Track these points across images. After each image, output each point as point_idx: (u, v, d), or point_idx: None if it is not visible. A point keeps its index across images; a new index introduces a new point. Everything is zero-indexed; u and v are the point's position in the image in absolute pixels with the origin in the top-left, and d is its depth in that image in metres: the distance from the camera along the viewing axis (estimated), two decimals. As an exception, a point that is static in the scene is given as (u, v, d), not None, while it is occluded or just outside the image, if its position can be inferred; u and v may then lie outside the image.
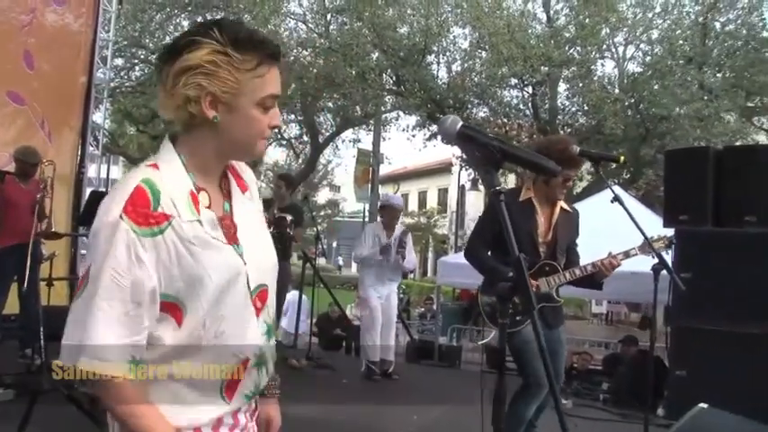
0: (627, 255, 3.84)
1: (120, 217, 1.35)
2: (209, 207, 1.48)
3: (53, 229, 5.86)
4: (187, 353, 1.45)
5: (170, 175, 1.44)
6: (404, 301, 18.19)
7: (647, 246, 3.67)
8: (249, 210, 1.60)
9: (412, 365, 9.01)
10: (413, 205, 38.44)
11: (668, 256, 5.51)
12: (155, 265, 1.38)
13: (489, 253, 3.97)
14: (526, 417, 3.95)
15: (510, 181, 17.68)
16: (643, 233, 3.57)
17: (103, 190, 9.11)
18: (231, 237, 1.50)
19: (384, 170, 26.29)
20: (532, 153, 1.73)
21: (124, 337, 1.35)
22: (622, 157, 3.64)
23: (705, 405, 4.51)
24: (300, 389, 6.07)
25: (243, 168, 1.65)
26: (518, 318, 3.84)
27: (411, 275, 26.41)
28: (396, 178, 38.52)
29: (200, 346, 1.45)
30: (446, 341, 12.50)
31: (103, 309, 1.34)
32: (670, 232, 4.96)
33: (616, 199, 3.59)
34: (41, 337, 4.55)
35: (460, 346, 12.29)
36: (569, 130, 15.48)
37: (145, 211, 1.37)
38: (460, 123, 1.63)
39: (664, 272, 3.96)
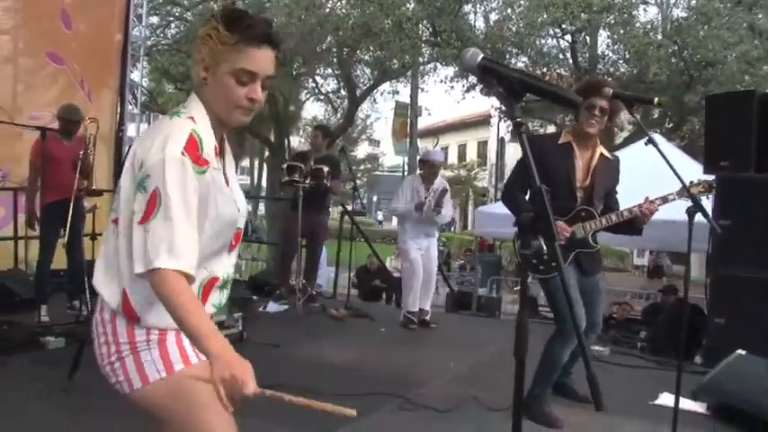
0: (665, 200, 3.79)
1: (183, 154, 1.67)
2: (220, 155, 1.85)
3: (94, 186, 5.98)
4: None
5: (204, 128, 1.77)
6: (444, 254, 18.26)
7: (686, 190, 3.61)
8: (232, 165, 1.96)
9: (451, 315, 9.09)
10: (452, 158, 38.22)
11: (708, 204, 5.49)
12: (199, 195, 1.71)
13: (527, 197, 3.94)
14: (561, 360, 3.99)
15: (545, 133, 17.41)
16: (679, 177, 3.50)
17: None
18: (230, 184, 1.87)
19: (423, 123, 26.14)
20: (553, 84, 1.72)
21: (191, 247, 1.67)
22: (657, 99, 3.54)
23: (743, 352, 4.51)
24: (339, 337, 6.20)
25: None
26: (552, 264, 3.86)
27: (451, 228, 26.45)
28: (435, 131, 38.26)
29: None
30: (485, 292, 12.58)
31: (181, 225, 1.64)
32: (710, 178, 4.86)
33: (650, 141, 3.51)
34: (86, 288, 4.68)
35: (500, 297, 12.38)
36: (610, 78, 15.14)
37: (197, 154, 1.70)
38: (481, 56, 1.63)
39: (704, 220, 3.89)
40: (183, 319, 1.61)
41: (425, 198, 6.74)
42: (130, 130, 10.19)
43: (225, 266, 1.91)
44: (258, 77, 1.76)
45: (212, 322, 1.67)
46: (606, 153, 4.02)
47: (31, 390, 4.24)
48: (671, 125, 15.49)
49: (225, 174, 1.86)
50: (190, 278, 1.66)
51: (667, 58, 13.28)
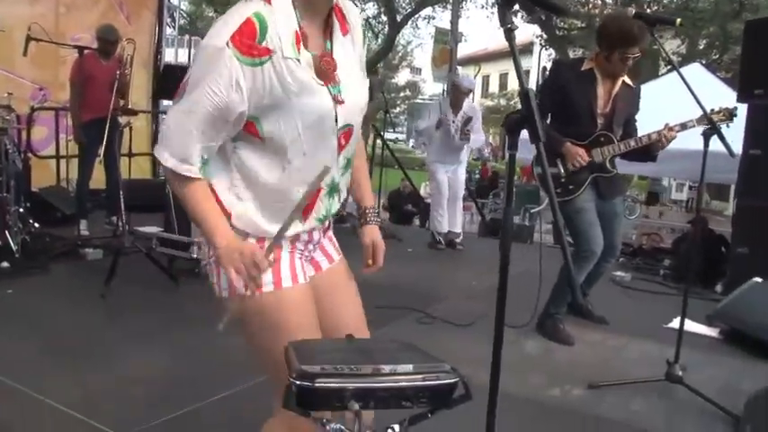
0: (684, 126, 3.73)
1: (227, 44, 1.48)
2: (310, 41, 1.61)
3: (129, 106, 6.14)
4: (275, 181, 1.65)
5: (280, 10, 1.55)
6: (475, 182, 18.24)
7: (706, 117, 3.56)
8: (348, 51, 1.71)
9: (481, 240, 9.18)
10: (494, 87, 37.72)
11: (740, 132, 5.40)
12: (249, 91, 1.52)
13: (548, 122, 4.01)
14: (577, 283, 4.02)
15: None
16: (700, 104, 3.44)
17: (179, 64, 9.34)
18: (329, 75, 1.64)
19: (464, 51, 25.70)
20: None
21: (202, 142, 1.57)
22: (679, 20, 3.47)
23: (759, 279, 4.54)
24: (365, 256, 6.36)
25: (348, 8, 1.74)
26: (570, 187, 3.95)
27: (489, 157, 26.25)
28: (477, 59, 37.63)
29: (284, 176, 1.64)
30: (518, 220, 12.60)
31: (195, 120, 1.53)
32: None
33: (670, 62, 3.49)
34: (122, 203, 4.88)
35: (533, 225, 12.38)
36: (656, 7, 14.68)
37: (250, 43, 1.49)
38: None
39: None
40: (194, 214, 1.61)
41: (452, 121, 6.76)
42: (169, 53, 10.27)
43: (330, 173, 1.71)
44: None
45: (219, 214, 1.61)
46: (628, 81, 4.01)
47: (72, 295, 4.53)
48: (716, 55, 15.02)
49: (322, 56, 1.64)
50: (187, 169, 1.57)
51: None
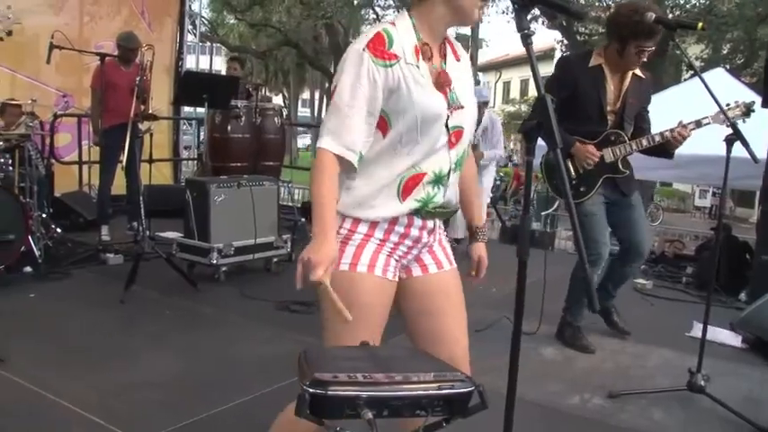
0: (698, 124, 3.66)
1: (364, 50, 1.81)
2: (431, 59, 1.92)
3: (150, 111, 6.19)
4: (383, 158, 1.88)
5: (403, 30, 1.88)
6: (500, 189, 18.14)
7: (722, 114, 3.46)
8: (460, 73, 2.00)
9: (502, 246, 9.12)
10: (514, 93, 37.55)
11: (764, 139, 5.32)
12: (383, 87, 1.82)
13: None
14: (593, 291, 3.98)
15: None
16: (717, 102, 3.36)
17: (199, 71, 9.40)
18: (444, 85, 1.92)
19: (485, 57, 25.63)
20: None
21: (364, 136, 1.83)
22: (700, 24, 3.38)
23: (785, 287, 4.47)
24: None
25: (458, 45, 2.05)
26: (581, 189, 3.87)
27: (509, 164, 26.12)
28: (498, 65, 37.53)
29: (393, 156, 1.88)
30: (540, 227, 12.52)
31: (350, 113, 1.81)
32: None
33: (690, 66, 3.45)
34: (142, 208, 4.92)
35: (554, 232, 12.30)
36: (678, 12, 14.54)
37: (381, 49, 1.82)
38: None
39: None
40: (312, 194, 1.81)
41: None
42: (190, 60, 10.35)
43: (438, 162, 1.92)
44: None
45: (331, 208, 1.80)
46: (639, 72, 3.89)
47: (92, 299, 4.55)
48: (741, 61, 14.85)
49: (437, 72, 1.91)
50: (341, 160, 1.80)
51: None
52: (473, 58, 18.26)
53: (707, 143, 3.88)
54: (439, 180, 1.93)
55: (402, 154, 1.88)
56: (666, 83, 12.35)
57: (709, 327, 3.38)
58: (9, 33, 5.11)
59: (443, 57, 1.98)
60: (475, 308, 4.82)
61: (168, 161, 8.77)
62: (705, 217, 22.17)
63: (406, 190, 1.89)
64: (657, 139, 3.72)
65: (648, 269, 6.54)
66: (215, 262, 4.96)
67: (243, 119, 6.54)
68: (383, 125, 1.87)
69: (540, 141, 1.57)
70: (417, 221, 1.93)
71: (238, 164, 6.43)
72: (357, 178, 1.88)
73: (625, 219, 3.95)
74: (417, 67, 1.87)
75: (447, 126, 1.91)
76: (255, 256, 5.31)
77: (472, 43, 18.13)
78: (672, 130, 3.67)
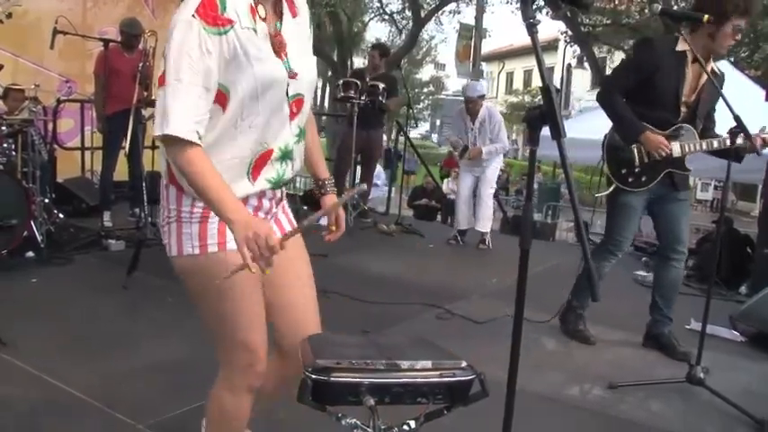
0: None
1: (193, 16, 1.61)
2: (264, 20, 1.75)
3: (153, 97, 6.18)
4: (226, 136, 1.74)
5: None
6: (502, 179, 18.14)
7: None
8: (298, 31, 1.86)
9: (504, 237, 9.13)
10: (518, 83, 37.46)
11: None
12: (217, 57, 1.65)
13: (624, 101, 3.70)
14: (600, 275, 3.88)
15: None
16: (727, 103, 3.33)
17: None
18: (279, 50, 1.78)
19: (489, 47, 25.54)
20: None
21: (197, 115, 1.63)
22: (706, 16, 3.37)
23: (786, 281, 4.47)
24: (387, 251, 6.38)
25: (298, 1, 1.89)
26: (643, 179, 3.72)
27: (512, 156, 26.14)
28: (501, 56, 37.43)
29: (236, 132, 1.74)
30: (541, 218, 12.55)
31: (183, 92, 1.61)
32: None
33: (696, 60, 3.43)
34: (144, 194, 4.93)
35: (555, 223, 12.34)
36: (683, 3, 14.47)
37: (213, 14, 1.63)
38: None
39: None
40: (201, 189, 1.63)
41: (470, 129, 6.76)
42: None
43: (283, 137, 1.83)
44: None
45: (225, 186, 1.63)
46: (716, 68, 3.69)
47: (94, 285, 4.57)
48: (746, 53, 14.78)
49: (274, 34, 1.77)
50: (188, 143, 1.62)
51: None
52: (476, 49, 18.23)
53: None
54: (286, 155, 1.85)
55: (244, 129, 1.74)
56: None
57: (709, 320, 3.39)
58: (9, 16, 5.11)
59: (279, 15, 1.82)
60: (474, 298, 4.91)
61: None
62: (707, 210, 22.18)
63: (255, 169, 1.80)
64: (727, 143, 3.40)
65: (649, 261, 6.54)
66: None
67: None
68: (221, 98, 1.71)
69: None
70: (268, 193, 1.88)
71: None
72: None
73: (670, 212, 3.81)
74: (254, 30, 1.71)
75: (287, 95, 1.80)
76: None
77: (476, 33, 18.07)
78: (754, 136, 3.36)
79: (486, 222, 6.89)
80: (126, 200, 6.83)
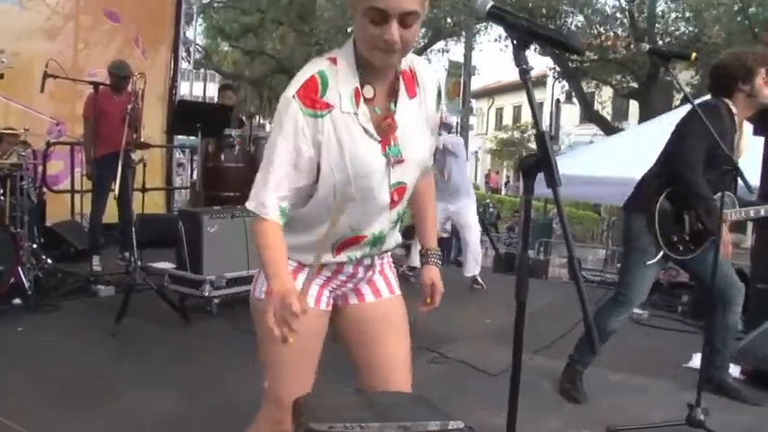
0: None
1: (293, 97, 1.67)
2: (372, 99, 1.74)
3: (143, 140, 6.16)
4: (317, 216, 1.78)
5: (343, 70, 1.71)
6: (493, 216, 18.17)
7: None
8: (412, 114, 1.81)
9: (496, 276, 9.09)
10: (507, 119, 37.76)
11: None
12: (311, 138, 1.68)
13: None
14: (607, 330, 3.69)
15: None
16: (718, 140, 3.32)
17: (192, 100, 9.38)
18: (389, 133, 1.76)
19: (478, 84, 25.74)
20: (558, 31, 1.72)
21: (282, 192, 1.70)
22: (694, 54, 3.39)
23: (782, 316, 4.43)
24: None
25: (422, 70, 1.86)
26: (692, 247, 3.60)
27: (504, 192, 26.25)
28: (490, 92, 37.77)
29: (328, 214, 1.72)
30: (533, 254, 12.51)
31: (272, 168, 1.69)
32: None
33: (686, 99, 3.44)
34: (134, 239, 4.88)
35: (548, 260, 12.30)
36: (668, 39, 14.69)
37: (312, 97, 1.67)
38: (490, 4, 1.63)
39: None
40: (260, 258, 1.70)
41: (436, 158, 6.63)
42: (184, 87, 10.36)
43: (379, 225, 1.85)
44: (391, 16, 1.60)
45: (280, 251, 1.69)
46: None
47: (82, 333, 4.50)
48: (732, 87, 14.98)
49: (384, 117, 1.75)
50: (270, 221, 1.69)
51: (728, 16, 12.78)
52: (465, 86, 18.37)
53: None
54: (378, 240, 1.88)
55: (337, 213, 1.70)
56: (657, 109, 12.46)
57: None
58: (1, 77, 5.14)
59: (393, 96, 1.78)
60: (468, 341, 4.84)
61: (161, 190, 8.73)
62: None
63: (340, 248, 1.84)
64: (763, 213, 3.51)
65: (646, 299, 6.50)
66: (207, 294, 4.91)
67: (236, 148, 6.52)
68: (315, 178, 1.75)
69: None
70: (351, 263, 1.89)
71: (232, 193, 6.38)
72: (291, 227, 1.78)
73: (706, 262, 3.54)
74: (356, 114, 1.71)
75: (389, 183, 1.78)
76: (248, 288, 5.24)
77: (465, 71, 18.23)
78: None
79: (474, 267, 6.75)
80: (116, 244, 6.76)
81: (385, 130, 1.74)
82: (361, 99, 1.71)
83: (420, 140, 1.84)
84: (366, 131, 1.71)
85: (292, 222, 1.77)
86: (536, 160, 1.46)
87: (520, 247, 1.53)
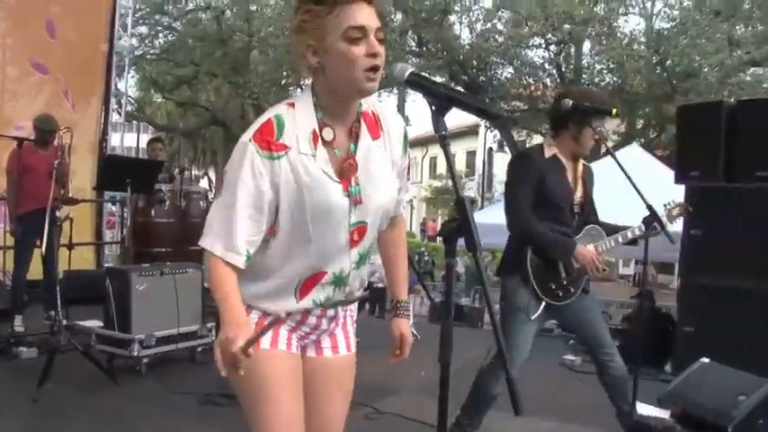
0: (670, 218, 3.60)
1: (249, 140, 1.70)
2: (332, 141, 1.76)
3: (70, 195, 6.02)
4: (277, 258, 1.79)
5: (301, 113, 1.74)
6: (428, 264, 18.28)
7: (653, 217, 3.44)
8: (375, 155, 1.83)
9: (432, 326, 9.10)
10: (441, 168, 38.27)
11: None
12: (269, 181, 1.70)
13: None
14: (494, 394, 3.55)
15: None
16: (640, 194, 3.41)
17: (122, 155, 9.25)
18: (349, 174, 1.78)
19: (411, 134, 25.93)
20: (477, 99, 1.77)
21: (247, 236, 1.72)
22: (615, 110, 3.49)
23: (706, 360, 4.56)
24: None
25: (386, 116, 1.89)
26: (571, 290, 3.52)
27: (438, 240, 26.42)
28: (424, 142, 38.27)
29: (288, 255, 1.78)
30: (469, 302, 12.59)
31: (234, 211, 1.70)
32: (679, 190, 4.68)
33: (608, 153, 3.55)
34: (59, 298, 4.73)
35: (482, 308, 12.36)
36: (594, 88, 15.26)
37: (268, 139, 1.70)
38: (409, 71, 1.67)
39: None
40: (214, 293, 1.71)
41: None
42: (115, 139, 10.20)
43: (340, 263, 1.83)
44: (369, 31, 1.68)
45: (236, 297, 1.70)
46: (583, 162, 3.69)
47: (1, 400, 4.26)
48: (654, 135, 15.62)
49: (341, 159, 1.77)
50: (224, 261, 1.71)
51: (648, 68, 13.38)
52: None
53: (624, 219, 3.94)
54: (340, 280, 1.86)
55: (297, 253, 1.78)
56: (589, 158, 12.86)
57: (639, 403, 3.40)
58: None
59: (354, 137, 1.81)
60: (404, 394, 4.80)
61: (90, 245, 8.50)
62: (629, 285, 22.71)
63: (304, 290, 1.83)
64: (629, 235, 3.54)
65: (576, 345, 6.59)
66: (136, 354, 4.76)
67: (167, 203, 6.43)
68: (273, 224, 1.77)
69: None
70: (316, 311, 1.88)
71: (162, 249, 6.28)
72: (252, 274, 1.78)
73: (586, 318, 3.61)
74: (313, 156, 1.73)
75: (348, 222, 1.80)
76: (179, 346, 5.12)
77: (399, 120, 18.51)
78: (642, 231, 3.52)
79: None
80: (40, 302, 6.51)
81: (346, 170, 1.76)
82: (320, 141, 1.74)
83: (383, 182, 1.85)
84: (325, 173, 1.73)
85: (254, 268, 1.77)
86: (457, 225, 1.49)
87: (443, 310, 1.54)
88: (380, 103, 1.92)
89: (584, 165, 3.65)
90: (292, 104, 1.76)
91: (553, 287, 3.49)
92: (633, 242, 3.64)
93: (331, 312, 1.92)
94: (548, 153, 3.52)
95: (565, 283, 3.51)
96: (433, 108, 1.64)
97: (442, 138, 1.60)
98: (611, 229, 3.63)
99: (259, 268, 1.79)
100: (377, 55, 1.68)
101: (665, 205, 3.61)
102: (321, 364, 1.97)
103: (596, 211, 3.75)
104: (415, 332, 6.74)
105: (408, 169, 1.99)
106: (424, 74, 1.73)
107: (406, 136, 1.93)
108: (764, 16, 12.62)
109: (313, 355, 1.96)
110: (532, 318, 3.40)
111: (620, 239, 3.56)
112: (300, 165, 1.71)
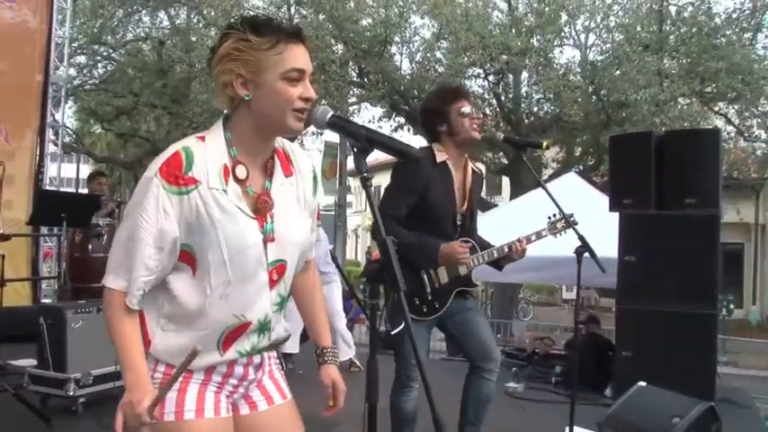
0: (539, 235, 3.53)
1: (155, 174, 1.61)
2: (245, 180, 1.70)
3: (1, 231, 5.86)
4: (196, 305, 1.70)
5: (212, 148, 1.68)
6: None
7: (552, 225, 3.49)
8: (288, 192, 1.80)
9: (378, 357, 9.07)
10: (386, 196, 38.43)
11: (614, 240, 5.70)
12: (177, 218, 1.63)
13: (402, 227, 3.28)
14: (408, 412, 3.38)
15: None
16: (562, 212, 3.45)
17: (54, 189, 9.05)
18: (264, 211, 1.73)
19: (353, 163, 26.08)
20: (397, 140, 1.81)
21: (143, 276, 1.64)
22: (546, 143, 3.58)
23: (643, 383, 4.68)
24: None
25: (296, 154, 1.86)
26: (436, 305, 3.39)
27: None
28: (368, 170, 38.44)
29: (207, 301, 1.69)
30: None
31: (132, 248, 1.62)
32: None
33: (539, 185, 3.65)
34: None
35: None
36: (533, 118, 15.60)
37: (176, 173, 1.62)
38: (330, 113, 1.71)
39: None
40: (113, 339, 1.67)
41: None
42: (52, 170, 9.97)
43: (262, 308, 1.76)
44: (306, 74, 1.68)
45: (138, 351, 1.66)
46: (473, 166, 3.57)
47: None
48: (592, 162, 16.02)
49: (255, 196, 1.72)
50: (122, 299, 1.66)
51: (584, 98, 13.77)
52: (342, 166, 18.67)
53: (560, 245, 4.01)
54: (264, 327, 1.79)
55: (215, 299, 1.68)
56: (527, 184, 13.13)
57: (578, 428, 3.45)
58: None
59: (269, 174, 1.77)
60: (345, 427, 4.74)
61: (25, 281, 8.25)
62: (573, 309, 23.06)
63: (227, 341, 1.75)
64: (505, 249, 3.45)
65: (519, 371, 6.68)
66: (72, 393, 4.63)
67: (105, 237, 6.31)
68: (189, 260, 1.68)
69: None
70: (242, 359, 1.81)
71: (101, 285, 6.14)
72: (172, 323, 1.72)
73: (467, 326, 3.48)
74: (224, 191, 1.66)
75: (266, 261, 1.73)
76: (116, 385, 4.99)
77: (340, 151, 18.57)
78: (509, 245, 3.44)
79: (347, 350, 6.58)
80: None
81: (261, 207, 1.72)
82: (230, 177, 1.68)
83: (297, 220, 1.82)
84: (239, 208, 1.68)
85: (174, 319, 1.71)
86: (380, 267, 1.53)
87: (369, 350, 1.57)
88: (290, 143, 1.89)
89: (473, 170, 3.54)
90: (202, 138, 1.71)
91: (417, 302, 3.34)
92: (496, 265, 3.56)
93: (257, 359, 1.86)
94: (439, 158, 3.40)
95: (430, 297, 3.36)
96: (355, 150, 1.68)
97: (364, 179, 1.64)
98: (486, 246, 3.55)
99: (179, 318, 1.71)
100: (310, 99, 1.68)
101: (549, 218, 3.58)
102: (260, 419, 1.89)
103: (476, 224, 3.63)
104: (357, 363, 6.76)
105: (318, 212, 1.96)
106: (343, 116, 1.78)
107: (315, 177, 1.92)
108: (688, 51, 13.14)
109: (247, 411, 1.88)
110: (392, 333, 3.11)
111: (495, 254, 3.47)
112: (212, 199, 1.65)
